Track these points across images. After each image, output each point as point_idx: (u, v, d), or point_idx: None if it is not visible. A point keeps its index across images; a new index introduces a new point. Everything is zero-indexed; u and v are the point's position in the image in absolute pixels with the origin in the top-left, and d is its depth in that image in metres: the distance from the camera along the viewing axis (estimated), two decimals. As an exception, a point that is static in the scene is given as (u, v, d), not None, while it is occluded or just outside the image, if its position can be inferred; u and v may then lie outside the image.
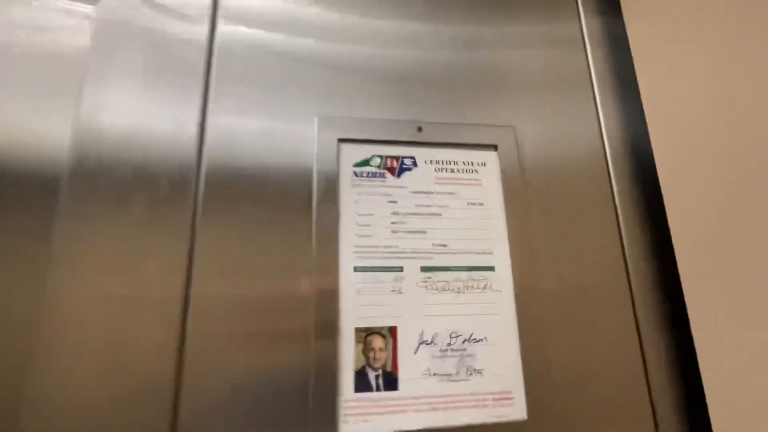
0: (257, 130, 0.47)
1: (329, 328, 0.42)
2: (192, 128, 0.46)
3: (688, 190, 0.49)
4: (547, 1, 0.61)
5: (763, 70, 0.40)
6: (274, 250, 0.44)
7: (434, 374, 0.43)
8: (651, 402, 0.47)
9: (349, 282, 0.44)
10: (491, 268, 0.47)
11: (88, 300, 0.40)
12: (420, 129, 0.50)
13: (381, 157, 0.48)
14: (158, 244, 0.42)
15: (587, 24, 0.61)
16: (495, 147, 0.51)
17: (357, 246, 0.45)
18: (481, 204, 0.49)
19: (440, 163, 0.50)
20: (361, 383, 0.41)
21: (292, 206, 0.45)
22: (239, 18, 0.51)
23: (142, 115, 0.46)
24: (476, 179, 0.50)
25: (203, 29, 0.50)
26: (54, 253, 0.41)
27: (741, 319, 0.42)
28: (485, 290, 0.46)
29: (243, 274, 0.43)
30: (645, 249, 0.52)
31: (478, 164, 0.50)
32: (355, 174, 0.47)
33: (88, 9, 0.49)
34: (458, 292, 0.46)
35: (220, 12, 0.51)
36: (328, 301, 0.43)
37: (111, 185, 0.43)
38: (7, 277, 0.40)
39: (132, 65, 0.47)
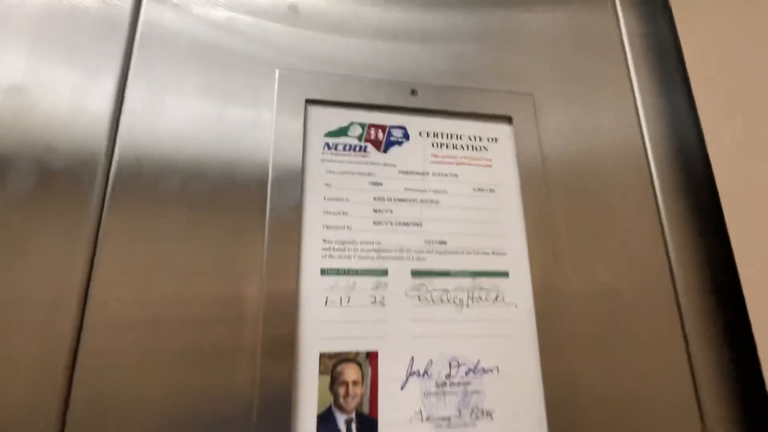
0: (199, 89, 0.36)
1: (282, 353, 0.30)
2: (106, 97, 0.34)
3: (747, 185, 0.39)
4: None
5: None
6: (209, 246, 0.32)
7: (428, 419, 0.31)
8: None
9: (313, 289, 0.32)
10: (504, 274, 0.36)
11: None
12: (414, 92, 0.39)
13: (362, 125, 0.37)
14: (49, 234, 0.30)
15: None
16: (509, 119, 0.40)
17: (326, 241, 0.33)
18: (492, 190, 0.38)
19: (439, 136, 0.38)
20: (327, 431, 0.30)
21: (238, 187, 0.34)
22: None
23: (35, 81, 0.34)
24: (485, 158, 0.39)
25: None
26: None
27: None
28: (496, 303, 0.35)
29: (164, 275, 0.31)
30: (691, 246, 0.41)
31: (488, 140, 0.39)
32: (328, 146, 0.36)
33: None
34: (461, 306, 0.34)
35: None
36: (282, 315, 0.31)
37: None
38: None
39: (28, 18, 0.35)
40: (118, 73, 0.35)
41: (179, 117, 0.34)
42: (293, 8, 0.39)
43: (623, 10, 0.49)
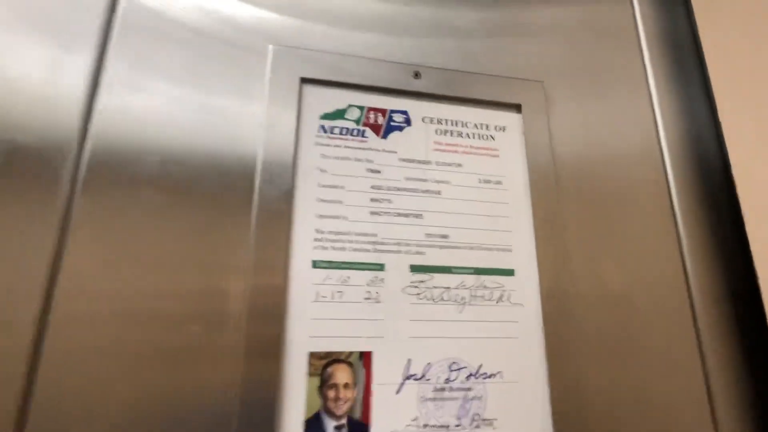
0: (184, 66, 0.33)
1: (268, 352, 0.28)
2: (79, 74, 0.32)
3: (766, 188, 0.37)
4: None
5: None
6: (190, 236, 0.29)
7: (425, 426, 0.29)
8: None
9: (303, 283, 0.30)
10: (510, 272, 0.33)
11: None
12: (417, 75, 0.36)
13: (361, 108, 0.34)
14: (12, 218, 0.28)
15: None
16: (518, 107, 0.38)
17: (319, 232, 0.31)
18: (498, 182, 0.35)
19: (443, 122, 0.36)
20: (313, 439, 0.27)
21: (223, 173, 0.31)
22: None
23: (3, 51, 0.31)
24: (492, 148, 0.36)
25: None
26: None
27: None
28: (501, 303, 0.32)
29: (140, 266, 0.28)
30: (707, 250, 0.39)
31: (495, 128, 0.37)
32: (323, 129, 0.33)
33: None
34: (462, 305, 0.32)
35: None
36: (268, 311, 0.28)
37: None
38: None
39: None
40: (95, 48, 0.32)
41: (160, 95, 0.32)
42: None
43: (639, 2, 0.47)
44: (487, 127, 0.37)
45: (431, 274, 0.32)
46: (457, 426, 0.29)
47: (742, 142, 0.39)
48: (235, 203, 0.30)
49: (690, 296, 0.37)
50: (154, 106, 0.31)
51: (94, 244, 0.28)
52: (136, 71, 0.32)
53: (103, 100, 0.31)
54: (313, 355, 0.29)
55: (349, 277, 0.30)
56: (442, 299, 0.32)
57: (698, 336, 0.36)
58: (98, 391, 0.26)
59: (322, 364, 0.29)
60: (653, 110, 0.43)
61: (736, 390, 0.36)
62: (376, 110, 0.35)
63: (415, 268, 0.32)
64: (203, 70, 0.33)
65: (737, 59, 0.41)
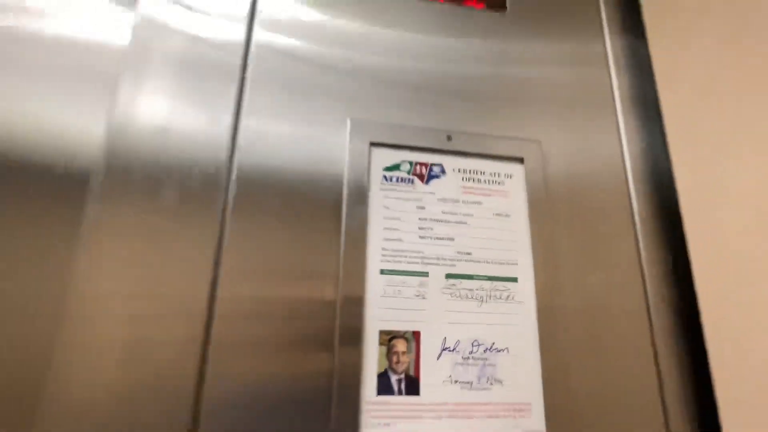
0: (289, 132, 0.48)
1: (354, 330, 0.42)
2: (225, 128, 0.47)
3: (709, 215, 0.50)
4: (572, 19, 0.63)
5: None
6: (302, 252, 0.44)
7: (456, 381, 0.43)
8: (666, 423, 0.47)
9: (375, 285, 0.44)
10: (514, 279, 0.48)
11: (112, 295, 0.40)
12: (449, 138, 0.51)
13: (411, 163, 0.49)
14: (186, 244, 0.43)
15: (611, 44, 0.63)
16: (521, 160, 0.52)
17: (384, 249, 0.45)
18: (507, 215, 0.50)
19: (467, 172, 0.50)
20: (384, 386, 0.41)
21: (321, 208, 0.46)
22: (275, 25, 0.52)
23: (176, 113, 0.46)
24: (502, 190, 0.50)
25: (240, 34, 0.51)
26: (82, 247, 0.41)
27: (756, 342, 0.42)
28: (508, 300, 0.47)
29: (270, 275, 0.43)
30: (664, 271, 0.53)
31: (505, 176, 0.51)
32: (385, 178, 0.48)
33: (126, 6, 0.50)
34: (481, 301, 0.46)
35: (257, 19, 0.52)
36: (354, 303, 0.43)
37: (142, 181, 0.44)
38: (34, 271, 0.40)
39: (169, 65, 0.48)
40: (233, 108, 0.47)
41: (281, 144, 0.47)
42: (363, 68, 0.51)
43: (615, 68, 0.61)
44: (499, 175, 0.51)
45: (460, 279, 0.46)
46: (477, 383, 0.43)
47: (686, 172, 0.53)
48: (329, 228, 0.45)
49: (648, 306, 0.51)
50: (276, 152, 0.46)
51: (243, 253, 0.43)
52: (262, 124, 0.47)
53: (241, 147, 0.46)
54: (382, 333, 0.43)
55: (404, 281, 0.45)
56: (468, 297, 0.46)
57: (653, 339, 0.50)
58: (251, 367, 0.41)
59: (388, 338, 0.43)
60: (623, 156, 0.57)
61: (683, 386, 0.49)
62: (421, 164, 0.49)
63: (449, 276, 0.46)
64: (310, 130, 0.48)
65: (686, 113, 0.55)
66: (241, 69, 0.49)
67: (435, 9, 0.58)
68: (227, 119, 0.47)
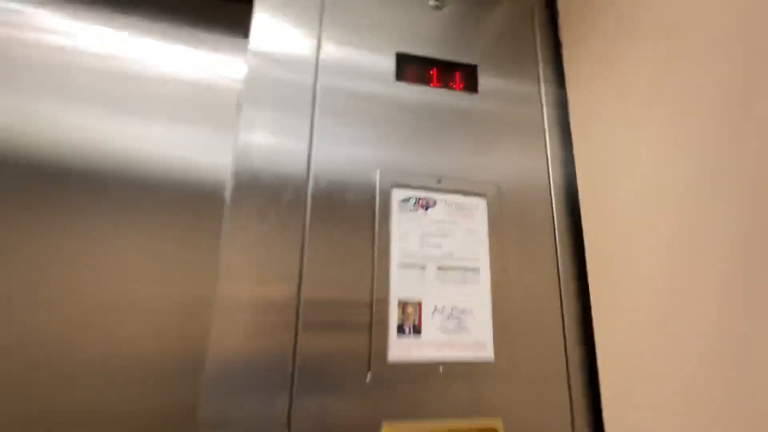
0: (342, 168, 0.77)
1: (383, 300, 0.72)
2: (303, 155, 0.76)
3: (603, 223, 0.82)
4: (522, 88, 0.93)
5: (664, 144, 0.73)
6: (351, 255, 0.73)
7: (442, 329, 0.73)
8: (566, 353, 0.79)
9: (395, 273, 0.74)
10: (477, 270, 0.78)
11: (241, 290, 0.69)
12: (439, 181, 0.81)
13: (416, 198, 0.79)
14: (284, 253, 0.71)
15: (543, 72, 0.94)
16: (485, 195, 0.83)
17: (401, 251, 0.75)
18: (475, 231, 0.80)
19: (451, 204, 0.81)
20: (401, 331, 0.72)
21: (362, 223, 0.75)
22: (335, 70, 0.81)
23: (276, 136, 0.75)
24: (472, 215, 0.81)
25: (311, 78, 0.79)
26: (221, 254, 0.69)
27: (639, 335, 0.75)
28: (473, 283, 0.77)
29: (332, 268, 0.72)
30: (572, 265, 0.84)
31: (474, 206, 0.82)
32: (401, 208, 0.77)
33: (239, 60, 0.78)
34: (459, 283, 0.77)
35: (320, 67, 0.81)
36: (383, 283, 0.73)
37: (258, 198, 0.72)
38: (190, 272, 0.68)
39: (269, 103, 0.76)
40: (308, 132, 0.76)
41: (336, 162, 0.76)
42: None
43: (546, 108, 0.92)
44: (470, 205, 0.81)
45: (445, 270, 0.76)
46: (454, 330, 0.74)
47: (586, 187, 0.84)
48: (366, 237, 0.74)
49: (560, 293, 0.82)
50: (339, 168, 0.75)
51: (322, 249, 0.72)
52: (326, 143, 0.76)
53: (316, 163, 0.75)
54: (400, 301, 0.73)
55: (412, 271, 0.75)
56: (450, 281, 0.76)
57: (561, 307, 0.82)
58: (325, 336, 0.70)
59: (403, 304, 0.73)
60: (549, 176, 0.88)
61: (587, 382, 0.81)
62: (422, 198, 0.79)
63: (439, 268, 0.76)
64: (354, 166, 0.77)
65: (588, 141, 0.86)
66: (311, 106, 0.78)
67: (429, 91, 0.88)
68: (304, 147, 0.76)
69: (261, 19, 0.81)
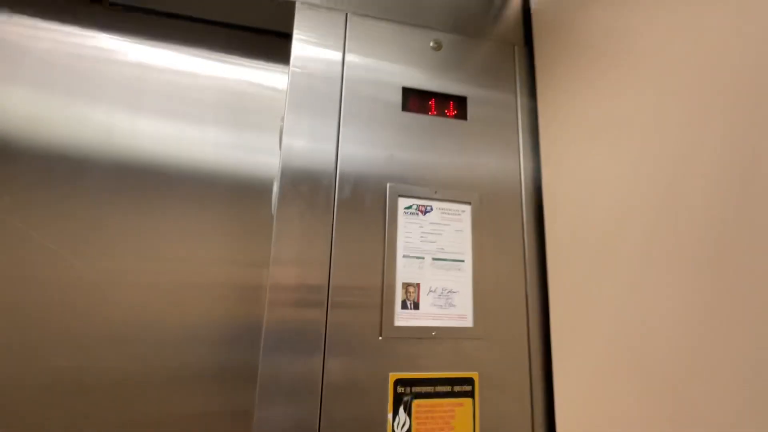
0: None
1: (391, 282, 0.96)
2: (331, 148, 0.99)
3: (560, 222, 1.06)
4: (498, 99, 1.16)
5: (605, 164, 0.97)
6: (366, 248, 0.97)
7: (435, 305, 0.98)
8: (527, 323, 1.04)
9: (400, 263, 0.98)
10: (463, 261, 1.03)
11: (283, 281, 0.92)
12: (436, 192, 1.04)
13: (417, 205, 1.02)
14: (318, 246, 0.95)
15: (521, 102, 1.17)
16: (470, 203, 1.06)
17: (405, 246, 0.99)
18: (462, 231, 1.04)
19: (444, 210, 1.04)
20: (404, 306, 0.96)
21: (375, 222, 0.99)
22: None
23: (310, 144, 0.97)
24: (460, 218, 1.05)
25: (337, 86, 1.02)
26: (273, 247, 0.92)
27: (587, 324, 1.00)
28: (459, 270, 1.02)
29: (349, 265, 0.96)
30: (536, 258, 1.09)
31: (461, 211, 1.05)
32: (405, 212, 1.01)
33: (283, 69, 1.00)
34: (448, 270, 1.01)
35: (345, 76, 1.03)
36: (390, 270, 0.97)
37: (299, 201, 0.95)
38: (240, 264, 0.92)
39: (309, 108, 0.99)
40: (335, 130, 0.99)
41: (356, 152, 0.99)
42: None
43: (521, 115, 1.16)
44: (458, 210, 1.05)
45: (438, 260, 1.01)
46: (444, 306, 0.98)
47: (549, 193, 1.08)
48: (379, 233, 0.98)
49: (525, 280, 1.07)
50: (364, 168, 0.98)
51: (345, 244, 0.95)
52: (350, 144, 0.99)
53: (341, 162, 0.98)
54: (403, 284, 0.97)
55: (413, 261, 0.99)
56: (441, 268, 1.00)
57: (526, 289, 1.06)
58: (351, 309, 0.94)
59: (406, 285, 0.97)
60: (521, 178, 1.12)
61: (540, 314, 1.06)
62: (422, 205, 1.03)
63: (434, 258, 1.00)
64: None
65: (553, 150, 1.10)
66: (338, 110, 1.01)
67: (427, 118, 1.10)
68: (332, 146, 0.99)
69: (299, 45, 1.03)
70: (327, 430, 0.88)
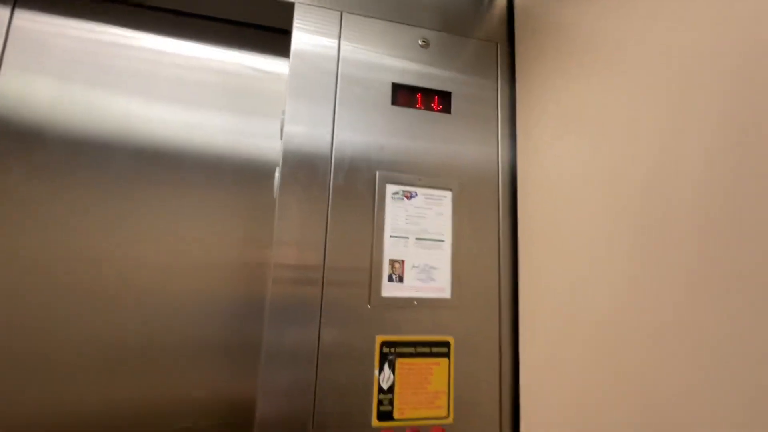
0: (359, 147, 1.12)
1: (378, 259, 1.10)
2: (328, 138, 1.11)
3: (531, 203, 1.19)
4: (480, 94, 1.28)
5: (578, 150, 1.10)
6: (358, 229, 1.10)
7: (417, 278, 1.12)
8: (499, 295, 1.19)
9: (387, 241, 1.12)
10: (443, 240, 1.16)
11: (285, 260, 1.06)
12: (420, 179, 1.17)
13: (403, 191, 1.15)
14: (314, 229, 1.08)
15: (501, 96, 1.29)
16: (451, 189, 1.19)
17: (392, 227, 1.12)
18: (442, 214, 1.17)
19: (427, 195, 1.17)
20: (390, 279, 1.10)
21: (365, 206, 1.12)
22: (351, 69, 1.15)
23: (309, 124, 1.10)
24: (441, 203, 1.18)
25: (332, 77, 1.14)
26: (275, 229, 1.05)
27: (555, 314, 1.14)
28: (440, 248, 1.16)
29: (342, 245, 1.09)
30: (509, 239, 1.23)
31: (442, 197, 1.18)
32: (392, 198, 1.14)
33: (284, 62, 1.11)
34: (429, 248, 1.15)
35: (340, 62, 1.14)
36: (378, 248, 1.11)
37: (298, 187, 1.08)
38: (244, 243, 1.05)
39: (307, 98, 1.10)
40: (331, 121, 1.11)
41: (349, 142, 1.11)
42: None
43: (501, 104, 1.28)
44: (440, 196, 1.18)
45: (421, 240, 1.14)
46: (426, 279, 1.13)
47: (523, 180, 1.21)
48: (368, 214, 1.11)
49: (498, 259, 1.21)
50: (355, 149, 1.11)
51: (339, 226, 1.08)
52: (344, 129, 1.11)
53: (336, 147, 1.10)
54: (390, 260, 1.11)
55: (399, 240, 1.12)
56: (424, 247, 1.14)
57: (499, 269, 1.20)
58: (344, 288, 1.08)
59: (392, 262, 1.11)
60: (498, 164, 1.24)
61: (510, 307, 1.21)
62: (407, 191, 1.15)
63: (418, 239, 1.14)
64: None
65: (529, 140, 1.23)
66: (333, 99, 1.13)
67: (414, 112, 1.21)
68: (328, 132, 1.11)
69: (298, 36, 1.13)
70: (322, 386, 1.03)
